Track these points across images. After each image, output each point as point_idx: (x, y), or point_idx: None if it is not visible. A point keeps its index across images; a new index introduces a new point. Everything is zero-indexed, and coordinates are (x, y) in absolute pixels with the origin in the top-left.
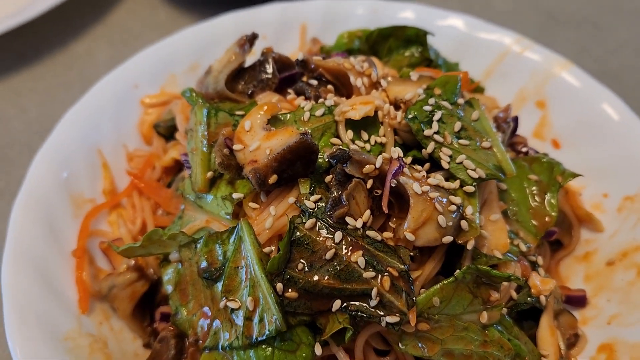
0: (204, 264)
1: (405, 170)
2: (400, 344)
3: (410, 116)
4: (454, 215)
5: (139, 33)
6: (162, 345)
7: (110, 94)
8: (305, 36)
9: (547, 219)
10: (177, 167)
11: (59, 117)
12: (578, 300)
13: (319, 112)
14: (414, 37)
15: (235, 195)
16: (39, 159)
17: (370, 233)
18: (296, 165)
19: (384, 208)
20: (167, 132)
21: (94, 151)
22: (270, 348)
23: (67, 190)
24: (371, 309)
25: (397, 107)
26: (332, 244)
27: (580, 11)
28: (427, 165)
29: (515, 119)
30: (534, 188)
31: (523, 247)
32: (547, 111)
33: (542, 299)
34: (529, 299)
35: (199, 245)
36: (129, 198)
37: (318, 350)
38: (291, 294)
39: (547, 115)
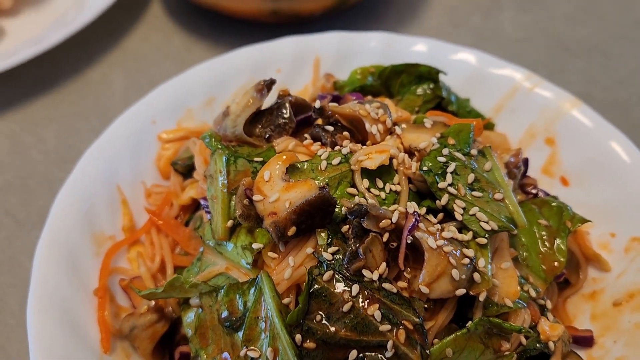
0: (225, 314)
1: (421, 225)
2: None
3: (425, 168)
4: (466, 268)
5: (153, 60)
6: None
7: (128, 130)
8: (319, 69)
9: (556, 264)
10: (195, 205)
11: (77, 146)
12: (585, 341)
13: (335, 161)
14: (426, 74)
15: (255, 246)
16: (61, 196)
17: (386, 285)
18: (314, 218)
19: (400, 264)
20: (185, 169)
21: (114, 187)
22: None
23: (88, 228)
24: None
25: (411, 155)
26: (350, 297)
27: (590, 39)
28: (440, 215)
29: (526, 162)
30: (543, 233)
31: (533, 293)
32: (556, 148)
33: (551, 344)
34: (537, 345)
35: (219, 295)
36: (147, 235)
37: None
38: (309, 344)
39: (557, 153)
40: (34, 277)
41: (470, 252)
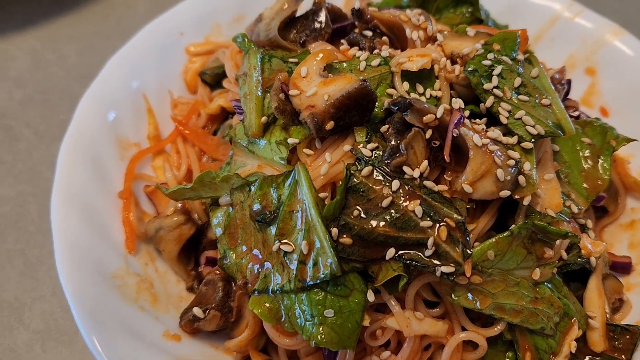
0: (257, 207)
1: (466, 122)
2: (452, 295)
3: (469, 69)
4: (512, 170)
5: None
6: (208, 287)
7: (155, 40)
8: None
9: (599, 182)
10: (223, 115)
11: (98, 65)
12: (623, 267)
13: (374, 62)
14: None
15: (290, 140)
16: (85, 101)
17: (427, 183)
18: (353, 113)
19: (445, 157)
20: (213, 80)
21: (139, 96)
22: (322, 292)
23: (113, 132)
24: (426, 259)
25: (453, 62)
26: (389, 192)
27: None
28: (484, 120)
29: (569, 82)
30: (586, 151)
31: (575, 209)
32: (596, 78)
33: (592, 260)
34: (579, 259)
35: (252, 188)
36: (173, 144)
37: (371, 297)
38: (345, 239)
39: (597, 83)
40: (57, 177)
41: (515, 154)
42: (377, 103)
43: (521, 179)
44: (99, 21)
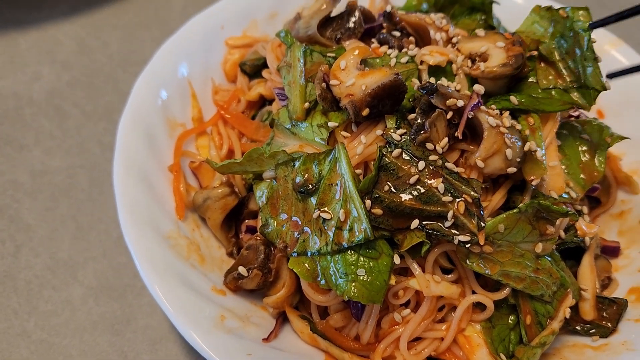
0: (300, 180)
1: (482, 107)
2: (467, 261)
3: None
4: (519, 150)
5: None
6: (249, 251)
7: (200, 31)
8: None
9: (595, 173)
10: (261, 102)
11: (140, 52)
12: (612, 251)
13: (403, 60)
14: (479, 5)
15: (330, 124)
16: (140, 81)
17: (448, 165)
18: (386, 102)
19: (459, 134)
20: (252, 70)
21: (185, 81)
22: (356, 255)
23: (163, 112)
24: (445, 229)
25: (473, 61)
26: (416, 171)
27: None
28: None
29: None
30: (584, 146)
31: (573, 194)
32: None
33: (587, 240)
34: (575, 238)
35: (296, 164)
36: (214, 127)
37: (397, 260)
38: (377, 210)
39: None
40: (118, 145)
41: (522, 135)
42: (406, 95)
43: (532, 158)
44: (138, 12)
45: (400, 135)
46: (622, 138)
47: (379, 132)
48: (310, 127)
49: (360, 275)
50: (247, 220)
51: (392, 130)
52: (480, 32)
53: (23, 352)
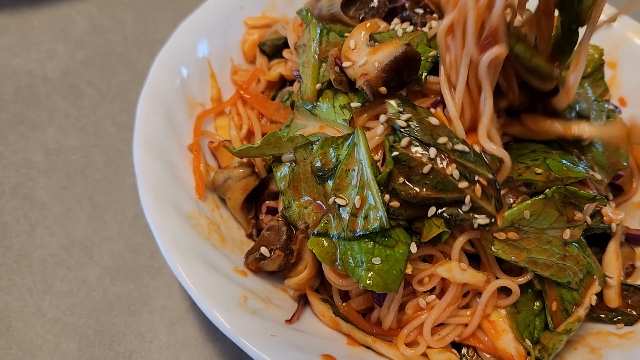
0: (318, 164)
1: None
2: (492, 248)
3: None
4: None
5: None
6: (271, 232)
7: (220, 11)
8: None
9: (620, 161)
10: (281, 82)
11: (154, 33)
12: (636, 239)
13: (409, 29)
14: None
15: (353, 104)
16: (159, 60)
17: (459, 147)
18: (402, 74)
19: None
20: (272, 50)
21: (204, 61)
22: (372, 242)
23: (182, 91)
24: (463, 214)
25: None
26: (428, 160)
27: None
28: None
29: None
30: None
31: (598, 177)
32: (617, 72)
33: (613, 226)
34: (601, 224)
35: (314, 147)
36: (233, 107)
37: (414, 248)
38: (394, 203)
39: (617, 76)
40: (138, 122)
41: None
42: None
43: None
44: None
45: (406, 121)
46: None
47: (382, 118)
48: (332, 108)
49: (375, 263)
50: (267, 202)
51: (395, 117)
52: None
53: (38, 330)
